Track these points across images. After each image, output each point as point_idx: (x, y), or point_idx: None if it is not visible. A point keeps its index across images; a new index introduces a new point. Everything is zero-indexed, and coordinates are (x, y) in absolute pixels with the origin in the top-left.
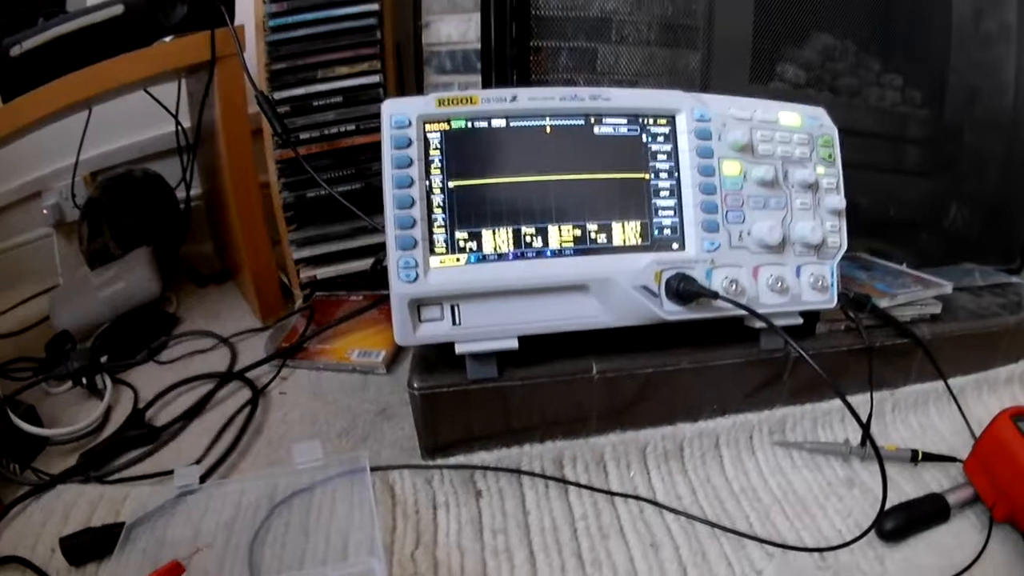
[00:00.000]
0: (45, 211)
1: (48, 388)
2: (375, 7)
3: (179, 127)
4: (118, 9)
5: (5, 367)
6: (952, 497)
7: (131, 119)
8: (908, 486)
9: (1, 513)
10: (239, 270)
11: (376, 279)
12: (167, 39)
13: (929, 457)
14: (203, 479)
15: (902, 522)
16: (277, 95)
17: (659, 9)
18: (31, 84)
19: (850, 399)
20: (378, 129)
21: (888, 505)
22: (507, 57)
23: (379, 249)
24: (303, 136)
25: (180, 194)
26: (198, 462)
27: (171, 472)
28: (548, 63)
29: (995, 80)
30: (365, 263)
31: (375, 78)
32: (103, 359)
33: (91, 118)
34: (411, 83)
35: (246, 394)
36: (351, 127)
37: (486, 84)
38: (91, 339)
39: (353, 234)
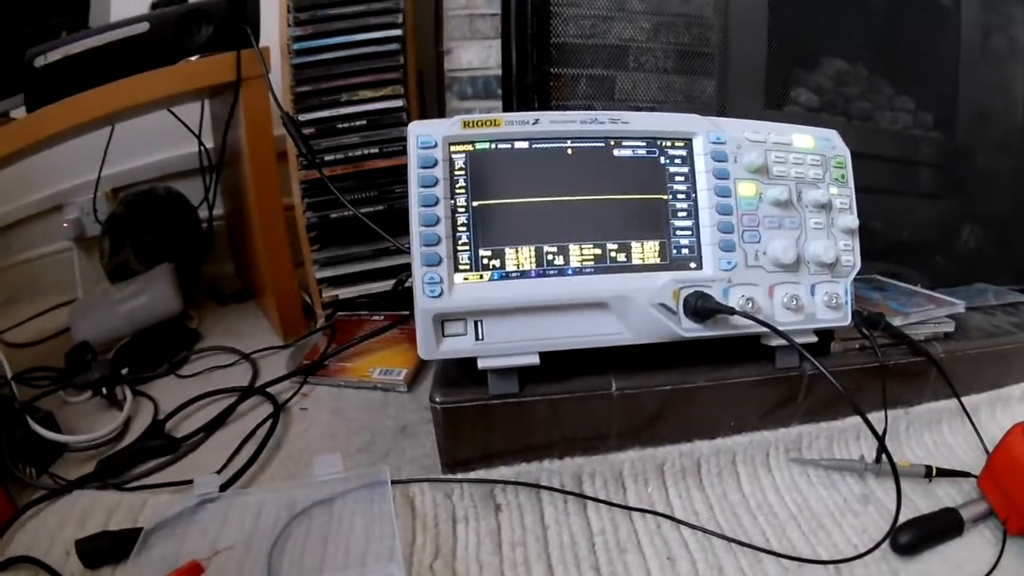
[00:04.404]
0: (65, 225)
1: (67, 397)
2: (398, 32)
3: (202, 147)
4: (143, 27)
5: (24, 375)
6: (966, 512)
7: (153, 138)
8: (922, 502)
9: (15, 515)
10: (262, 289)
11: (398, 300)
12: (192, 59)
13: (943, 473)
14: (222, 490)
15: (916, 536)
16: (302, 117)
17: (675, 37)
18: (54, 96)
19: None
20: (401, 152)
21: (902, 520)
22: (527, 83)
23: (401, 270)
24: (327, 158)
25: (201, 213)
26: (218, 473)
27: (190, 482)
28: (567, 90)
29: (1005, 98)
30: (387, 284)
31: (398, 102)
32: (124, 371)
33: (113, 135)
34: (433, 108)
35: (267, 409)
36: (374, 150)
37: (507, 110)
38: (112, 351)
39: (375, 255)
